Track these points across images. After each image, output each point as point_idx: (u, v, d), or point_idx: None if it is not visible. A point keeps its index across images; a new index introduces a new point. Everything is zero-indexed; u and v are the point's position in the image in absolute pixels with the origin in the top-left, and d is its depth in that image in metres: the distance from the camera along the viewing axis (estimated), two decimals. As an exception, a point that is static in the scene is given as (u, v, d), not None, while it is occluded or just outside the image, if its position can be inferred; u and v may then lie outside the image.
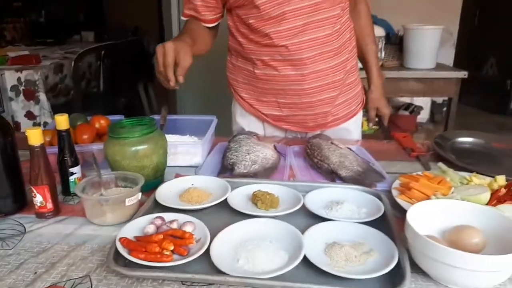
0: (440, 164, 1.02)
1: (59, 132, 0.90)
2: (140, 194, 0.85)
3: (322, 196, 0.89)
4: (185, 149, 1.13)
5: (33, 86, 2.70)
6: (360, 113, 1.43)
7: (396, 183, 0.94)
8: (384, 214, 0.81)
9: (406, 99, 3.59)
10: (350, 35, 1.30)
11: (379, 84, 1.42)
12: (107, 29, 4.87)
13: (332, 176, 1.02)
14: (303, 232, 0.73)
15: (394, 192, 0.90)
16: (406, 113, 3.55)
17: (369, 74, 1.42)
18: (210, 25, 1.28)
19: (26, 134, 0.82)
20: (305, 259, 0.67)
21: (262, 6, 1.13)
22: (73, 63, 2.90)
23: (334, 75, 1.25)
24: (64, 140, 0.90)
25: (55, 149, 0.99)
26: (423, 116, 3.79)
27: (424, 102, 3.70)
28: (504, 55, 4.77)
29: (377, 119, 1.48)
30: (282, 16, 1.14)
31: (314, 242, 0.72)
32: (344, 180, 1.00)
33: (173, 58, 1.01)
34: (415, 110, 3.59)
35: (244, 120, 1.41)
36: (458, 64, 3.32)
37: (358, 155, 1.12)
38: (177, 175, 1.07)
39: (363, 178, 1.00)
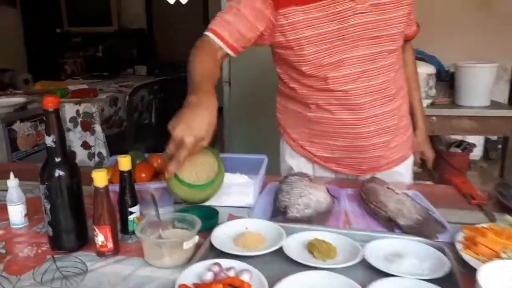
0: (508, 216, 0.96)
1: (121, 173, 0.93)
2: (197, 237, 0.85)
3: (381, 247, 0.86)
4: (238, 189, 1.14)
5: (90, 118, 2.84)
6: (412, 157, 1.42)
7: (460, 235, 0.90)
8: (450, 271, 0.76)
9: (458, 136, 3.47)
10: (403, 81, 1.31)
11: (423, 129, 1.48)
12: (158, 63, 5.10)
13: (390, 224, 0.99)
14: (363, 287, 0.71)
15: (458, 246, 0.86)
16: (458, 150, 3.41)
17: (414, 119, 1.45)
18: (232, 54, 1.13)
19: (92, 175, 0.85)
20: (367, 317, 0.64)
21: (321, 52, 1.13)
22: (127, 97, 3.04)
23: (388, 120, 1.24)
24: (125, 180, 0.94)
25: (115, 187, 1.02)
26: (476, 153, 3.63)
27: (477, 139, 3.55)
28: None
29: (420, 162, 1.53)
30: (340, 63, 1.14)
31: (377, 300, 0.69)
32: (403, 229, 0.96)
33: (190, 151, 0.85)
34: (468, 147, 3.45)
35: (293, 161, 1.41)
36: (513, 100, 3.19)
37: (415, 201, 1.08)
38: (230, 216, 1.07)
39: (423, 228, 0.96)
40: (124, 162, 0.93)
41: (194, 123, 0.84)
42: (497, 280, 0.68)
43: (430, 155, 1.50)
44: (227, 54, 1.13)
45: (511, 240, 0.84)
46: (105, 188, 0.86)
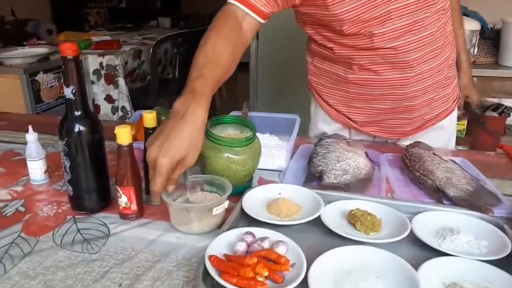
0: None
1: (146, 130, 0.86)
2: (227, 202, 0.79)
3: (431, 220, 0.77)
4: (270, 151, 1.05)
5: (114, 71, 2.78)
6: (455, 112, 1.28)
7: (520, 211, 0.80)
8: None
9: (494, 99, 3.27)
10: (450, 26, 1.16)
11: (468, 70, 1.39)
12: (182, 15, 4.94)
13: (438, 195, 0.90)
14: (414, 266, 0.63)
15: (519, 223, 0.77)
16: (495, 114, 3.23)
17: (457, 60, 1.29)
18: (262, 20, 1.01)
19: (115, 132, 0.78)
20: (420, 302, 0.57)
21: (364, 6, 0.98)
22: (151, 49, 2.94)
23: (438, 74, 1.12)
24: (150, 138, 0.86)
25: (139, 145, 0.96)
26: (513, 118, 3.43)
27: (513, 102, 3.35)
28: None
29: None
30: (386, 15, 1.00)
31: (430, 282, 0.61)
32: (452, 201, 0.87)
33: (166, 178, 0.70)
34: (506, 111, 3.26)
35: (327, 127, 1.31)
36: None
37: (465, 170, 0.98)
38: (260, 179, 1.00)
39: (475, 200, 0.86)
40: (150, 119, 0.85)
41: (172, 142, 0.70)
42: None
43: (475, 97, 1.42)
44: (257, 22, 1.00)
45: None
46: (128, 146, 0.79)
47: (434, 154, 1.02)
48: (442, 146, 1.24)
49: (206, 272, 0.62)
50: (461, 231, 0.73)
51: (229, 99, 3.74)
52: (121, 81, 2.79)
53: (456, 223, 0.76)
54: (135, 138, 1.04)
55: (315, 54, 1.24)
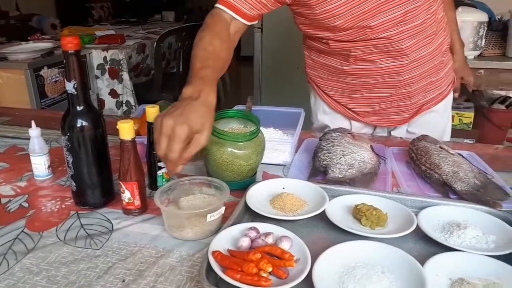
0: None
1: (150, 125, 0.85)
2: (223, 208, 0.75)
3: (437, 215, 0.76)
4: (274, 146, 1.04)
5: (118, 66, 2.77)
6: (450, 97, 1.29)
7: (528, 205, 0.79)
8: (521, 247, 0.67)
9: (502, 92, 3.23)
10: (442, 11, 1.17)
11: (461, 52, 1.37)
12: (186, 9, 4.92)
13: (445, 189, 0.88)
14: (420, 262, 0.62)
15: (528, 218, 0.75)
16: (502, 107, 3.19)
17: (451, 40, 1.28)
18: (248, 23, 1.03)
19: (117, 127, 0.77)
20: (427, 298, 0.56)
21: (350, 2, 0.99)
22: (155, 44, 2.93)
23: (432, 60, 1.14)
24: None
25: (143, 139, 0.95)
26: (520, 110, 3.39)
27: (521, 95, 3.31)
28: None
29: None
30: (379, 7, 1.00)
31: (436, 277, 0.60)
32: (459, 195, 0.86)
33: (183, 144, 0.69)
34: (512, 103, 3.23)
35: (328, 118, 1.31)
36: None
37: (472, 163, 0.96)
38: (264, 174, 1.00)
39: (483, 194, 0.85)
40: (153, 113, 0.85)
41: (189, 115, 0.70)
42: None
43: (470, 78, 1.41)
44: (242, 25, 1.02)
45: None
46: (131, 142, 0.78)
47: (441, 147, 1.00)
48: (439, 132, 1.25)
49: (209, 268, 0.61)
50: (468, 226, 0.72)
51: (233, 92, 3.73)
52: (125, 76, 2.78)
53: (463, 218, 0.75)
54: (138, 133, 1.03)
55: (311, 48, 1.25)
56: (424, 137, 1.06)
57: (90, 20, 4.56)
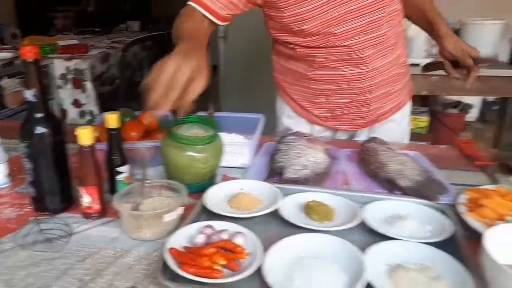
0: (513, 178, 0.92)
1: (109, 131, 0.87)
2: (181, 208, 0.79)
3: (381, 209, 0.82)
4: (233, 149, 1.09)
5: (81, 75, 2.75)
6: (408, 106, 1.36)
7: (463, 198, 0.86)
8: (453, 234, 0.73)
9: (454, 97, 3.41)
10: (402, 27, 1.24)
11: (452, 34, 1.19)
12: (152, 19, 4.92)
13: (390, 185, 0.95)
14: (362, 250, 0.67)
15: (461, 208, 0.82)
16: (455, 111, 3.37)
17: (434, 25, 1.20)
18: (220, 23, 1.09)
19: (76, 133, 0.79)
20: (368, 284, 0.61)
21: (321, 7, 1.06)
22: (119, 53, 2.93)
23: (390, 70, 1.21)
24: (113, 139, 0.88)
25: (103, 146, 0.97)
26: (472, 114, 3.58)
27: (473, 100, 3.50)
28: None
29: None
30: (342, 16, 1.07)
31: (376, 264, 0.66)
32: (403, 191, 0.92)
33: (185, 80, 0.73)
34: (464, 108, 3.41)
35: (291, 121, 1.37)
36: (517, 60, 3.10)
37: (417, 162, 1.03)
38: (224, 177, 1.03)
39: (424, 189, 0.92)
40: (112, 119, 0.87)
41: (188, 63, 0.73)
42: (503, 245, 0.65)
43: (470, 49, 1.15)
44: (213, 23, 1.09)
45: (517, 203, 0.80)
46: (90, 147, 0.81)
47: (388, 148, 1.07)
48: (398, 139, 1.32)
49: (165, 264, 0.64)
50: (408, 218, 0.78)
51: (201, 100, 3.77)
52: (89, 85, 2.77)
53: (404, 211, 0.81)
54: (99, 140, 1.05)
55: (280, 54, 1.30)
56: (373, 139, 1.13)
57: (53, 30, 4.49)
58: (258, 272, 0.64)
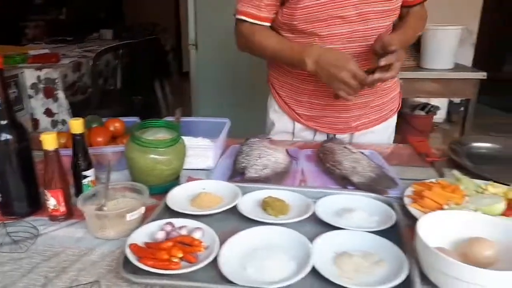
0: (455, 171, 1.00)
1: (73, 136, 0.91)
2: (143, 208, 0.83)
3: (333, 203, 0.88)
4: (197, 152, 1.13)
5: (52, 84, 2.75)
6: (392, 120, 1.41)
7: (409, 191, 0.93)
8: (396, 223, 0.80)
9: (422, 99, 3.54)
10: None
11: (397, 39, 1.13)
12: (125, 27, 4.92)
13: (344, 182, 1.01)
14: (312, 240, 0.73)
15: (406, 200, 0.89)
16: (422, 113, 3.49)
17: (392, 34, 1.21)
18: (267, 24, 1.23)
19: (40, 139, 0.83)
20: (313, 269, 0.67)
21: (314, 7, 1.12)
22: (91, 62, 2.94)
23: None
24: (78, 144, 0.92)
25: (70, 152, 1.00)
26: (440, 116, 3.73)
27: (441, 102, 3.64)
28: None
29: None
30: (330, 21, 1.14)
31: (323, 252, 0.71)
32: (356, 186, 0.99)
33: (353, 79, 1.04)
34: (432, 110, 3.53)
35: (276, 116, 1.42)
36: (478, 63, 3.26)
37: (371, 160, 1.10)
38: (189, 178, 1.08)
39: (375, 184, 0.98)
40: (76, 125, 0.91)
41: (334, 67, 1.05)
42: (436, 230, 0.71)
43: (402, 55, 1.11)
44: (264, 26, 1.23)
45: (456, 193, 0.87)
46: (54, 151, 0.84)
47: (345, 147, 1.14)
48: None
49: (127, 259, 0.69)
50: (357, 210, 0.84)
51: (175, 105, 3.82)
52: (61, 94, 2.76)
53: (354, 204, 0.88)
54: (65, 146, 1.08)
55: None
56: (331, 139, 1.20)
57: (24, 40, 4.45)
58: (215, 263, 0.68)
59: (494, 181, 0.95)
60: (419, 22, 1.30)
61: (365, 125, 1.34)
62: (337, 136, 1.36)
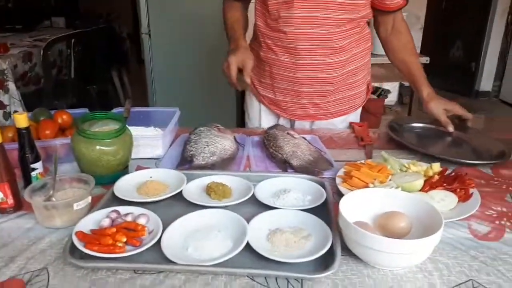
0: (383, 152, 1.09)
1: (19, 130, 0.93)
2: (90, 198, 0.87)
3: (271, 185, 0.95)
4: (147, 141, 1.17)
5: (2, 75, 2.67)
6: (350, 117, 1.45)
7: (341, 171, 1.01)
8: (325, 201, 0.88)
9: (374, 83, 3.67)
10: (366, 44, 1.37)
11: (432, 91, 1.31)
12: (78, 14, 4.78)
13: (285, 165, 1.09)
14: (249, 220, 0.80)
15: (338, 180, 0.97)
16: (374, 97, 3.63)
17: (418, 85, 1.33)
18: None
19: (-16, 134, 0.85)
20: (249, 246, 0.73)
21: (280, 4, 1.19)
22: (42, 51, 2.86)
23: (329, 71, 1.30)
24: (23, 137, 0.93)
25: (15, 145, 1.02)
26: (392, 98, 3.89)
27: (392, 86, 3.79)
28: (469, 38, 4.91)
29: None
30: (292, 3, 1.20)
31: (259, 230, 0.78)
32: (295, 169, 1.06)
33: (236, 69, 1.17)
34: (383, 93, 3.68)
35: (248, 98, 1.52)
36: (425, 47, 3.42)
37: (311, 144, 1.18)
38: (138, 167, 1.12)
39: (313, 166, 1.06)
40: (20, 119, 0.92)
41: (235, 56, 1.19)
42: (358, 206, 0.80)
43: (456, 107, 1.30)
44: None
45: (382, 172, 0.97)
46: (-1, 146, 0.86)
47: (288, 133, 1.21)
48: None
49: (73, 246, 0.73)
50: (292, 190, 0.92)
51: (134, 94, 3.80)
52: (11, 86, 2.69)
53: (290, 185, 0.95)
54: (13, 140, 1.09)
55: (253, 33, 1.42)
56: (275, 126, 1.26)
57: (-31, 29, 4.24)
58: (159, 246, 0.74)
59: (424, 153, 1.10)
60: (412, 44, 1.37)
61: (324, 116, 1.41)
62: (297, 122, 1.44)
